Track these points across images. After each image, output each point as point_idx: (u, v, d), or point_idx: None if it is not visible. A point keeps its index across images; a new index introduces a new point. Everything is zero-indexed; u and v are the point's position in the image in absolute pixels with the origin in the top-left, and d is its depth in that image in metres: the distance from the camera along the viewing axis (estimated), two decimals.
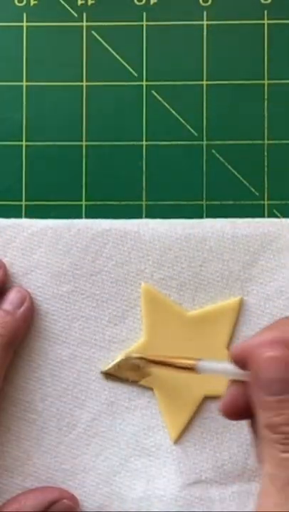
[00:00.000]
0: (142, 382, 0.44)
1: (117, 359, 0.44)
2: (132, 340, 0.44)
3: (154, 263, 0.44)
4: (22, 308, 0.43)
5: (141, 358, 0.43)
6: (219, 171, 0.47)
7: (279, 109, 0.47)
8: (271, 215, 0.46)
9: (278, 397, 0.31)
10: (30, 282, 0.44)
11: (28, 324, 0.44)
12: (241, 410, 0.35)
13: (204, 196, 0.46)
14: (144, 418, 0.44)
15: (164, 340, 0.44)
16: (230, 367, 0.35)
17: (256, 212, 0.46)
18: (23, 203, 0.47)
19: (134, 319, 0.44)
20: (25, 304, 0.43)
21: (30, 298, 0.44)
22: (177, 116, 0.47)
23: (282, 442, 0.31)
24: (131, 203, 0.47)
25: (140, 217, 0.46)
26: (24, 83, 0.47)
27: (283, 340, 0.33)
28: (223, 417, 0.36)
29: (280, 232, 0.44)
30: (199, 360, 0.39)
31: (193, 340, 0.44)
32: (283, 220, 0.45)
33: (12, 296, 0.43)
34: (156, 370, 0.43)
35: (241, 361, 0.34)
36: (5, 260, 0.44)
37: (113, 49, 0.47)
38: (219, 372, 0.37)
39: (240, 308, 0.44)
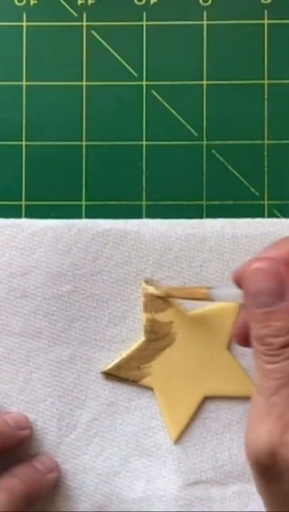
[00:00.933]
0: (142, 382, 0.44)
1: (117, 359, 0.44)
2: (132, 341, 0.44)
3: (154, 263, 0.44)
4: (52, 475, 0.42)
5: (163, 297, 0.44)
6: (219, 171, 0.47)
7: (279, 109, 0.47)
8: (271, 215, 0.46)
9: (265, 309, 0.32)
10: (29, 282, 0.44)
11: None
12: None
13: (204, 196, 0.46)
14: (144, 418, 0.44)
15: (164, 341, 0.44)
16: (237, 291, 0.36)
17: (256, 212, 0.46)
18: (23, 202, 0.47)
19: (135, 319, 0.44)
20: (55, 473, 0.43)
21: (58, 468, 0.43)
22: (177, 116, 0.47)
23: (267, 354, 0.32)
24: (131, 203, 0.47)
25: (140, 217, 0.46)
26: (24, 83, 0.47)
27: (277, 256, 0.33)
28: (237, 344, 0.37)
29: (280, 233, 0.44)
30: (211, 288, 0.40)
31: (194, 340, 0.44)
32: (283, 220, 0.45)
33: (45, 458, 0.43)
34: (156, 370, 0.44)
35: (240, 282, 0.35)
36: (3, 260, 0.44)
37: (113, 49, 0.47)
38: (228, 297, 0.38)
39: (240, 308, 0.44)
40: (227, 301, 0.39)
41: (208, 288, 0.40)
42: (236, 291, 0.36)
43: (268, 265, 0.32)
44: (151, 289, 0.44)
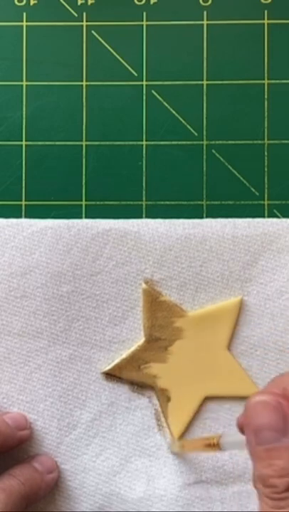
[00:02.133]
0: (142, 382, 0.44)
1: (118, 359, 0.44)
2: (132, 341, 0.44)
3: (155, 263, 0.44)
4: (51, 475, 0.42)
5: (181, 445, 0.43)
6: (219, 171, 0.47)
7: (279, 109, 0.47)
8: (271, 215, 0.46)
9: (267, 446, 0.30)
10: (29, 282, 0.44)
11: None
12: None
13: (204, 196, 0.46)
14: (144, 418, 0.44)
15: (164, 341, 0.44)
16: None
17: (256, 212, 0.46)
18: (23, 202, 0.47)
19: (135, 319, 0.44)
20: (55, 473, 0.43)
21: (58, 468, 0.43)
22: (177, 116, 0.47)
23: (271, 497, 0.30)
24: (131, 203, 0.47)
25: (140, 217, 0.46)
26: (24, 83, 0.47)
27: (281, 392, 0.31)
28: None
29: (280, 233, 0.44)
30: (221, 436, 0.38)
31: (194, 340, 0.44)
32: (283, 220, 0.45)
33: (44, 459, 0.43)
34: (156, 370, 0.44)
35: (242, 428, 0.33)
36: (3, 260, 0.44)
37: (113, 49, 0.47)
38: (238, 444, 0.35)
39: (241, 308, 0.44)
40: (237, 448, 0.36)
41: (218, 436, 0.38)
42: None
43: (270, 399, 0.31)
44: (169, 441, 0.43)
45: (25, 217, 0.46)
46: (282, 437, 0.30)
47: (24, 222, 0.45)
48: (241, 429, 0.33)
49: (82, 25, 0.47)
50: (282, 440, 0.30)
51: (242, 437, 0.33)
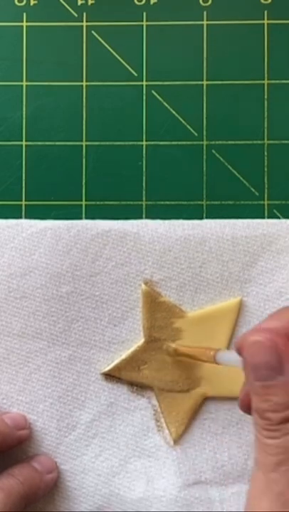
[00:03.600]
0: (142, 383, 0.44)
1: (117, 360, 0.44)
2: (132, 341, 0.44)
3: (154, 264, 0.44)
4: (50, 475, 0.42)
5: (174, 349, 0.43)
6: (219, 171, 0.47)
7: (279, 109, 0.47)
8: (271, 215, 0.46)
9: (264, 382, 0.32)
10: (29, 283, 0.44)
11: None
12: None
13: (204, 196, 0.46)
14: (143, 419, 0.44)
15: (164, 342, 0.44)
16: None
17: (256, 212, 0.46)
18: (23, 202, 0.47)
19: (134, 320, 0.44)
20: (54, 473, 0.43)
21: (58, 468, 0.43)
22: (177, 116, 0.47)
23: (266, 428, 0.31)
24: (131, 203, 0.47)
25: (140, 217, 0.46)
26: (24, 83, 0.47)
27: (278, 327, 0.33)
28: (242, 411, 0.36)
29: (280, 234, 0.44)
30: (218, 350, 0.39)
31: (193, 341, 0.44)
32: (282, 221, 0.45)
33: (44, 459, 0.43)
34: (155, 371, 0.44)
35: (240, 351, 0.34)
36: (3, 261, 0.44)
37: (113, 49, 0.47)
38: (232, 362, 0.37)
39: (240, 309, 0.44)
40: (231, 365, 0.37)
41: (216, 350, 0.39)
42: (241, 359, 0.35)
43: (265, 338, 0.32)
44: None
45: (25, 217, 0.46)
46: (278, 375, 0.31)
47: (24, 223, 0.45)
48: (238, 350, 0.34)
49: (82, 26, 0.47)
50: (278, 378, 0.31)
51: (237, 354, 0.35)
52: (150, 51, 0.47)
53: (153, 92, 0.47)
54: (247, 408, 0.35)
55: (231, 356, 0.37)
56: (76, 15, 0.47)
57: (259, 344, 0.32)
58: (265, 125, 0.47)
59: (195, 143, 0.47)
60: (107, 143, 0.47)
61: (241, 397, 0.36)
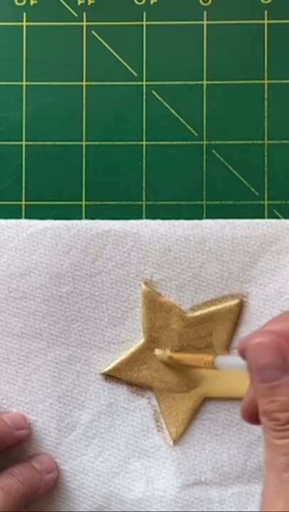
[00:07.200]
0: (142, 383, 0.44)
1: (117, 360, 0.44)
2: (132, 342, 0.44)
3: (154, 264, 0.44)
4: (50, 475, 0.42)
5: (169, 357, 0.43)
6: (219, 171, 0.47)
7: (279, 109, 0.47)
8: (271, 215, 0.46)
9: (269, 384, 0.32)
10: (28, 283, 0.44)
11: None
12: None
13: (204, 196, 0.46)
14: (143, 419, 0.44)
15: (164, 342, 0.44)
16: (242, 362, 0.35)
17: (256, 212, 0.46)
18: (23, 203, 0.47)
19: (134, 320, 0.44)
20: (54, 473, 0.43)
21: (58, 468, 0.44)
22: (177, 116, 0.47)
23: (275, 429, 0.31)
24: (131, 203, 0.47)
25: (140, 217, 0.46)
26: (24, 83, 0.47)
27: (281, 329, 0.33)
28: (245, 421, 0.36)
29: (280, 234, 0.44)
30: (217, 355, 0.39)
31: (193, 341, 0.44)
32: (283, 221, 0.45)
33: (44, 458, 0.43)
34: (155, 371, 0.44)
35: (244, 354, 0.34)
36: (3, 261, 0.44)
37: (113, 49, 0.47)
38: (233, 367, 0.37)
39: (240, 309, 0.44)
40: (232, 369, 0.38)
41: (214, 355, 0.40)
42: (242, 362, 0.35)
43: (268, 339, 0.32)
44: (157, 352, 0.44)
45: (25, 217, 0.46)
46: (283, 375, 0.31)
47: (23, 223, 0.45)
48: (241, 353, 0.34)
49: (82, 25, 0.47)
50: (283, 378, 0.31)
51: (237, 358, 0.35)
52: (150, 51, 0.47)
53: (153, 91, 0.47)
54: (250, 416, 0.35)
55: (231, 360, 0.37)
56: (76, 15, 0.47)
57: (262, 345, 0.32)
58: (265, 125, 0.47)
59: (195, 143, 0.47)
60: (107, 143, 0.47)
61: (245, 406, 0.36)
